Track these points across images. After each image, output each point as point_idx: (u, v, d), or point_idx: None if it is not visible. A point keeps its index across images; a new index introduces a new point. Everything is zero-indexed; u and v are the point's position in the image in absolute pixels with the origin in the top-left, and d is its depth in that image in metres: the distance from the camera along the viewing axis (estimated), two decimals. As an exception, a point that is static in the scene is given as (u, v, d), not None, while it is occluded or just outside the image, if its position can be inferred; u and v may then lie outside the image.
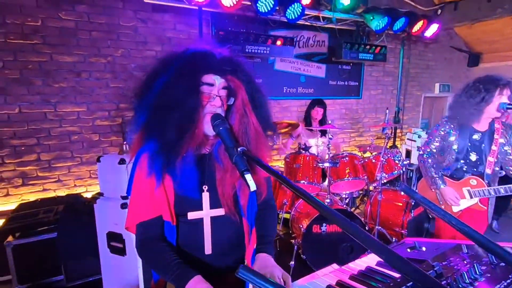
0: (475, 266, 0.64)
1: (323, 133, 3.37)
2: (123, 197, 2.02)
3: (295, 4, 3.23)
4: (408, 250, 0.87)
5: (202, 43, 0.98)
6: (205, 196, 0.97)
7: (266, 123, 1.02)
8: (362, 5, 3.78)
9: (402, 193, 3.00)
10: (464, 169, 1.94)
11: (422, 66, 5.31)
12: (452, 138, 1.93)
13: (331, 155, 2.70)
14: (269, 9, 3.12)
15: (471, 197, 1.91)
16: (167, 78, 0.90)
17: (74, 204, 2.49)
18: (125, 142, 2.21)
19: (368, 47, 4.10)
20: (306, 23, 3.79)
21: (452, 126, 1.93)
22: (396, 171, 3.00)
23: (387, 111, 3.11)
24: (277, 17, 3.49)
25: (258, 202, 1.05)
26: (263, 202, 1.07)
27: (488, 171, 1.87)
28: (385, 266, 0.77)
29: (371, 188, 3.20)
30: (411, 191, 0.64)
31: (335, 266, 0.90)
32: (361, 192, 3.44)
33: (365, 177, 2.92)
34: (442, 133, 1.96)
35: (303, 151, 2.90)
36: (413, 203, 2.80)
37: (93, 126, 3.03)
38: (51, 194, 2.91)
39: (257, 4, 3.06)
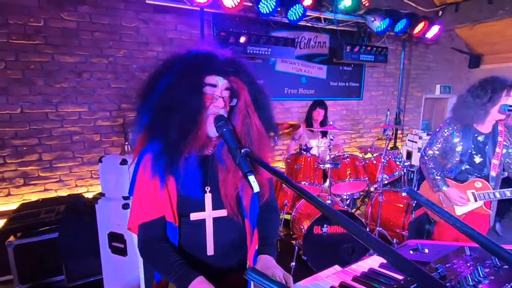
0: (479, 268, 0.64)
1: (324, 134, 3.37)
2: (125, 198, 2.02)
3: (297, 5, 3.23)
4: (411, 252, 0.87)
5: (204, 44, 0.99)
6: (208, 197, 0.97)
7: (268, 124, 1.02)
8: (363, 6, 3.78)
9: (404, 194, 3.00)
10: (468, 171, 1.91)
11: (423, 67, 5.31)
12: (456, 140, 1.90)
13: (332, 156, 2.70)
14: (271, 10, 3.12)
15: (476, 200, 1.88)
16: (170, 79, 0.90)
17: (75, 204, 2.49)
18: (126, 143, 2.22)
19: (369, 48, 4.10)
20: (308, 24, 3.79)
21: (456, 127, 1.91)
22: (397, 173, 3.00)
23: (388, 112, 3.11)
24: (279, 18, 3.49)
25: (260, 203, 1.05)
26: (265, 204, 1.07)
27: (493, 173, 1.84)
28: (388, 268, 0.77)
29: (372, 189, 3.20)
30: (416, 194, 0.64)
31: (337, 267, 0.90)
32: (362, 193, 3.44)
33: (366, 178, 2.92)
34: (445, 134, 1.94)
35: (304, 152, 2.90)
36: (414, 205, 2.79)
37: (95, 127, 3.03)
38: (52, 194, 2.92)
39: (259, 5, 3.06)
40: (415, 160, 4.45)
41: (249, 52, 3.33)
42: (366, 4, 3.62)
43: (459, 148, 1.89)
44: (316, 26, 3.90)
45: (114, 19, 2.96)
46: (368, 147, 3.54)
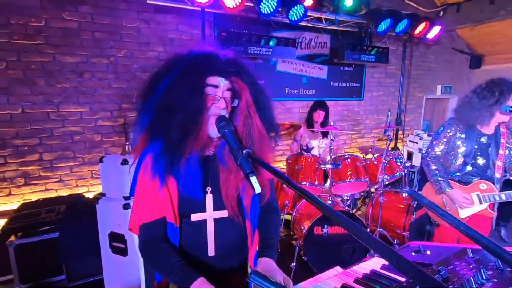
0: (482, 271, 0.63)
1: (325, 134, 3.37)
2: (125, 198, 2.02)
3: (298, 5, 3.23)
4: (413, 253, 0.87)
5: (206, 45, 0.99)
6: (209, 198, 0.97)
7: (269, 125, 1.02)
8: (364, 7, 3.78)
9: (405, 195, 2.99)
10: (472, 173, 1.89)
11: (424, 67, 5.30)
12: (459, 141, 1.88)
13: (333, 156, 2.70)
14: (272, 10, 3.12)
15: (481, 203, 1.85)
16: (171, 80, 0.90)
17: (76, 204, 2.49)
18: (127, 143, 2.22)
19: (370, 48, 4.09)
20: (309, 24, 3.79)
21: (459, 128, 1.88)
22: (398, 173, 2.99)
23: (389, 112, 3.10)
24: (280, 18, 3.49)
25: (261, 204, 1.05)
26: (266, 204, 1.07)
27: (497, 175, 1.83)
28: (390, 270, 0.77)
29: (372, 190, 3.20)
30: (418, 196, 0.64)
31: (338, 269, 0.89)
32: (362, 193, 3.44)
33: (367, 179, 2.91)
34: (448, 135, 1.91)
35: (305, 153, 2.89)
36: (414, 205, 2.79)
37: (96, 127, 3.03)
38: (53, 194, 2.92)
39: (260, 6, 3.06)
40: (416, 160, 4.44)
41: (250, 53, 3.33)
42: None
43: (462, 149, 1.87)
44: (317, 26, 3.90)
45: (115, 19, 2.96)
46: (369, 148, 3.54)
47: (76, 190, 3.02)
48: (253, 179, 0.76)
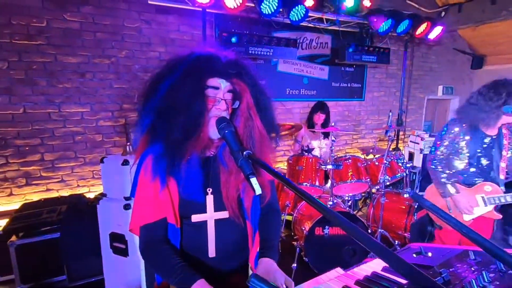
0: (484, 273, 0.63)
1: (326, 135, 3.36)
2: (126, 198, 2.02)
3: (299, 6, 3.23)
4: (414, 255, 0.86)
5: (207, 46, 0.98)
6: (209, 199, 0.97)
7: (270, 126, 1.01)
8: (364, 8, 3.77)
9: (406, 195, 2.99)
10: (476, 175, 1.86)
11: (425, 68, 5.29)
12: (463, 142, 1.85)
13: (334, 157, 2.69)
14: (273, 10, 3.12)
15: (485, 205, 1.82)
16: (172, 81, 0.90)
17: (77, 205, 2.50)
18: (128, 143, 2.22)
19: (371, 49, 4.08)
20: (310, 25, 3.78)
21: (464, 129, 1.85)
22: (399, 174, 2.98)
23: (390, 113, 3.09)
24: (281, 18, 3.49)
25: (261, 205, 1.05)
26: (267, 205, 1.07)
27: (502, 177, 1.81)
28: (391, 272, 0.77)
29: (373, 190, 3.19)
30: (420, 198, 0.64)
31: (339, 270, 0.89)
32: (363, 194, 3.43)
33: (368, 179, 2.91)
34: (452, 135, 1.87)
35: (306, 153, 2.89)
36: (416, 206, 2.78)
37: (97, 127, 3.04)
38: (54, 194, 2.92)
39: (261, 6, 3.06)
40: (417, 161, 4.43)
41: (251, 53, 3.32)
42: (368, 5, 3.60)
43: (466, 150, 1.84)
44: (318, 26, 3.89)
45: (116, 19, 2.96)
46: (370, 148, 3.53)
47: (77, 190, 3.03)
48: (254, 180, 0.76)
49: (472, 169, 1.86)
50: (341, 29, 3.97)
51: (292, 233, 2.87)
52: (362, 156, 3.26)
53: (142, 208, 0.93)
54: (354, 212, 2.96)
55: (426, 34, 4.14)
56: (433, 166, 1.93)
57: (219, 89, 0.92)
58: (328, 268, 0.90)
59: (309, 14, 3.41)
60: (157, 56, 3.20)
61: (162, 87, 0.91)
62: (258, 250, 1.00)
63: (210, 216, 0.97)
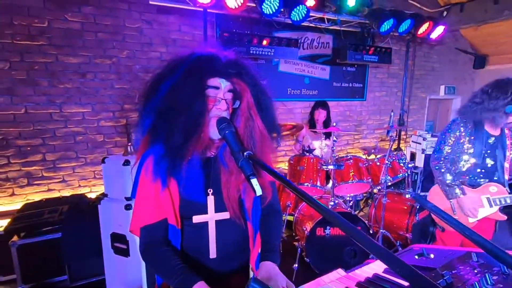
0: (487, 276, 0.62)
1: (328, 135, 3.36)
2: (127, 199, 2.02)
3: (300, 6, 3.22)
4: (416, 257, 0.86)
5: (207, 46, 0.98)
6: (210, 200, 0.96)
7: (271, 126, 1.01)
8: (367, 7, 3.76)
9: (408, 196, 2.97)
10: (481, 175, 1.83)
11: (427, 68, 5.27)
12: (468, 142, 1.82)
13: (335, 157, 2.69)
14: (274, 10, 3.12)
15: (491, 206, 1.80)
16: (173, 82, 0.90)
17: (78, 205, 2.50)
18: (129, 143, 2.22)
19: (372, 49, 4.07)
20: (311, 24, 3.78)
21: (468, 128, 1.82)
22: (400, 174, 2.97)
23: (392, 113, 3.08)
24: (282, 18, 3.48)
25: (262, 206, 1.04)
26: (268, 206, 1.06)
27: (506, 177, 1.79)
28: (393, 274, 0.76)
29: (375, 191, 3.18)
30: (422, 200, 0.63)
31: (341, 272, 0.88)
32: (365, 194, 3.42)
33: (370, 179, 2.90)
34: (456, 136, 1.84)
35: (307, 153, 2.88)
36: (418, 207, 2.77)
37: (98, 127, 3.04)
38: (55, 194, 2.93)
39: (262, 6, 3.05)
40: (419, 161, 4.41)
41: (252, 53, 3.32)
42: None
43: (471, 150, 1.81)
44: (320, 26, 3.89)
45: (118, 20, 2.97)
46: (371, 149, 3.52)
47: (79, 190, 3.03)
48: (254, 181, 0.75)
49: (477, 170, 1.83)
50: (342, 29, 3.96)
51: (293, 234, 2.87)
52: (364, 156, 3.25)
53: (143, 209, 0.93)
54: (356, 213, 2.96)
55: (428, 33, 4.13)
56: (437, 167, 1.89)
57: (220, 89, 0.92)
58: (329, 268, 0.89)
59: (310, 14, 3.41)
60: (158, 56, 3.20)
61: (162, 87, 0.90)
62: (259, 251, 0.99)
63: (211, 217, 0.96)
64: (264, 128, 0.96)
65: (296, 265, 2.42)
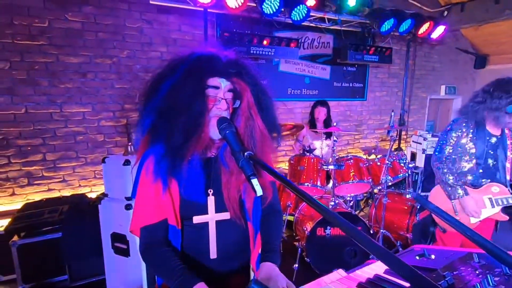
0: (489, 277, 0.62)
1: (328, 135, 3.35)
2: (128, 198, 2.02)
3: (300, 5, 3.22)
4: (417, 257, 0.85)
5: (207, 46, 0.98)
6: (211, 200, 0.96)
7: (271, 125, 1.01)
8: (367, 7, 3.75)
9: (408, 196, 2.97)
10: (483, 176, 1.82)
11: (428, 67, 5.27)
12: (470, 142, 1.81)
13: (335, 157, 2.68)
14: (275, 10, 3.11)
15: (493, 206, 1.79)
16: (173, 82, 0.89)
17: (78, 205, 2.50)
18: (130, 143, 2.22)
19: (373, 48, 4.07)
20: (311, 24, 3.77)
21: (470, 128, 1.80)
22: (401, 174, 2.96)
23: (393, 113, 3.08)
24: (282, 18, 3.48)
25: (263, 206, 1.04)
26: (268, 206, 1.06)
27: (508, 177, 1.79)
28: (394, 274, 0.76)
29: (375, 191, 3.17)
30: (424, 200, 0.63)
31: (341, 272, 0.88)
32: (365, 194, 3.42)
33: (370, 179, 2.89)
34: (458, 135, 1.82)
35: (308, 153, 2.88)
36: (418, 207, 2.76)
37: (98, 127, 3.04)
38: (56, 194, 2.93)
39: (263, 6, 3.05)
40: (420, 161, 4.41)
41: (252, 53, 3.32)
42: None
43: (473, 150, 1.80)
44: (320, 26, 3.88)
45: (118, 19, 2.97)
46: (372, 149, 3.51)
47: (79, 190, 3.03)
48: (255, 181, 0.75)
49: (479, 170, 1.82)
50: (343, 28, 3.95)
51: (294, 234, 2.86)
52: (364, 156, 3.24)
53: (143, 209, 0.93)
54: (356, 213, 2.95)
55: (428, 33, 4.12)
56: (439, 168, 1.87)
57: (220, 89, 0.92)
58: (329, 268, 0.89)
59: (311, 14, 3.40)
60: (159, 56, 3.20)
61: (163, 87, 0.90)
62: (259, 251, 0.99)
63: (211, 217, 0.96)
64: (264, 128, 0.96)
65: (297, 265, 2.42)
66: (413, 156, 4.60)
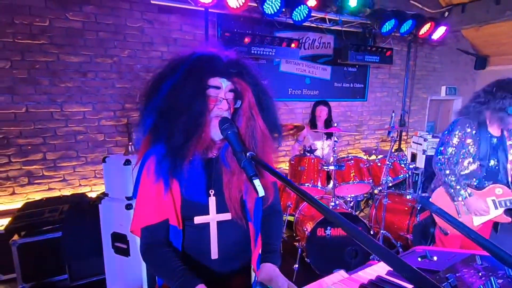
0: (492, 279, 0.62)
1: (329, 136, 3.35)
2: (128, 198, 2.02)
3: (302, 6, 3.22)
4: (419, 259, 0.85)
5: (208, 46, 0.97)
6: (212, 201, 0.96)
7: (273, 126, 1.00)
8: (368, 7, 3.75)
9: (408, 197, 2.97)
10: (486, 177, 1.81)
11: (429, 68, 5.26)
12: (473, 143, 1.80)
13: (336, 158, 2.68)
14: (276, 10, 3.11)
15: (496, 208, 1.78)
16: (174, 82, 0.89)
17: (79, 204, 2.50)
18: (130, 143, 2.22)
19: (374, 49, 4.06)
20: (312, 24, 3.77)
21: (473, 129, 1.79)
22: (401, 175, 2.96)
23: (393, 114, 3.08)
24: (283, 18, 3.47)
25: (264, 207, 1.04)
26: (269, 206, 1.06)
27: (509, 179, 1.78)
28: (396, 276, 0.75)
29: (376, 191, 3.17)
30: (427, 202, 0.62)
31: (343, 273, 0.88)
32: (366, 195, 3.41)
33: (370, 180, 2.89)
34: (460, 136, 1.80)
35: (308, 154, 2.87)
36: (418, 208, 2.76)
37: (99, 126, 3.04)
38: (56, 194, 2.93)
39: (264, 6, 3.05)
40: (420, 162, 4.40)
41: (253, 53, 3.32)
42: None
43: (476, 151, 1.79)
44: (321, 26, 3.88)
45: (119, 19, 2.96)
46: (372, 149, 3.51)
47: (79, 189, 3.03)
48: (257, 182, 0.75)
49: (482, 171, 1.81)
50: (343, 29, 3.95)
51: (294, 234, 2.86)
52: (365, 157, 3.24)
53: (144, 209, 0.93)
54: (356, 213, 2.95)
55: (429, 34, 4.12)
56: (441, 169, 1.85)
57: (220, 89, 0.91)
58: (330, 269, 0.89)
59: (312, 14, 3.40)
60: (159, 55, 3.20)
61: (163, 87, 0.90)
62: (260, 252, 0.99)
63: (212, 217, 0.96)
64: (265, 128, 0.96)
65: (297, 266, 2.42)
66: (414, 157, 4.60)
